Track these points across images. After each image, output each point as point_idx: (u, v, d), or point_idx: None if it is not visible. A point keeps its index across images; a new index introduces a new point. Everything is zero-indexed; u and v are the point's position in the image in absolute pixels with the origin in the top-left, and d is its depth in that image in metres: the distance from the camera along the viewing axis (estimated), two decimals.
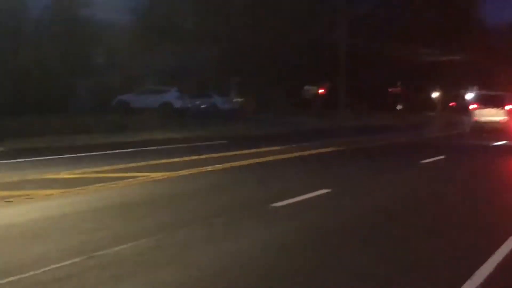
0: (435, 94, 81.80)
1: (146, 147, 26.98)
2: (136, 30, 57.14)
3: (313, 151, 25.44)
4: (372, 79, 73.81)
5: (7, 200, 13.25)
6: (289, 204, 13.29)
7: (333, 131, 41.59)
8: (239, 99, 62.56)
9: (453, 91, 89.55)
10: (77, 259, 8.73)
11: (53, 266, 8.42)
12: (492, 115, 39.89)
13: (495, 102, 40.88)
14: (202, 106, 54.27)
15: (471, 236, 10.76)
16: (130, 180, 16.41)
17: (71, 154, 23.86)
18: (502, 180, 18.70)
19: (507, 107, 39.82)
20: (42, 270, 8.25)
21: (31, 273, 8.13)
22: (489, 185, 17.28)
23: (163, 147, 27.52)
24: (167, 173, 17.76)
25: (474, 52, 77.53)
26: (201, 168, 18.98)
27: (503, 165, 22.86)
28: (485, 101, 41.61)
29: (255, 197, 14.48)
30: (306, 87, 74.46)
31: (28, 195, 13.90)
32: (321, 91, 71.51)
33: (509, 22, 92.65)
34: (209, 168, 19.21)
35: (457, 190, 16.34)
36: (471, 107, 41.83)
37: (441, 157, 23.83)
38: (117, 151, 25.39)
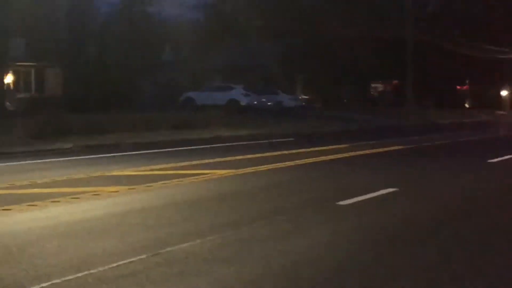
0: (504, 92, 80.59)
1: (212, 144, 27.09)
2: (202, 27, 57.45)
3: (380, 149, 25.17)
4: (440, 77, 73.02)
5: (75, 196, 13.39)
6: (355, 203, 13.12)
7: (400, 128, 41.21)
8: (305, 96, 62.50)
9: None
10: (143, 256, 8.77)
11: (120, 262, 8.47)
12: None
13: None
14: (268, 103, 54.32)
15: None
16: (196, 177, 16.44)
17: (137, 151, 24.08)
18: None
19: None
20: (109, 266, 8.30)
21: (99, 269, 8.18)
22: None
23: (228, 144, 27.58)
24: (233, 171, 17.76)
25: None
26: (266, 166, 18.92)
27: None
28: None
29: (321, 195, 14.34)
30: (373, 85, 74.14)
31: (94, 191, 14.04)
32: (383, 88, 70.99)
33: None
34: (275, 165, 19.16)
35: None
36: None
37: (511, 156, 23.33)
38: (183, 148, 25.53)
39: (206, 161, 20.31)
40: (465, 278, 8.07)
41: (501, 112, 71.67)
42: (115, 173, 17.48)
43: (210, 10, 60.85)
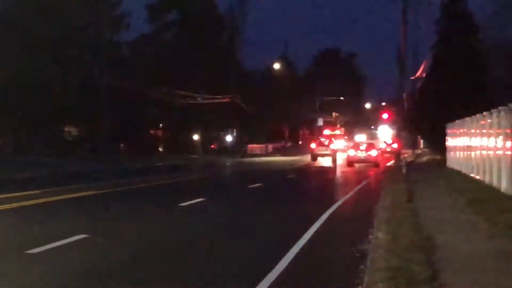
0: (196, 136, 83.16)
1: None
2: None
3: (73, 195, 24.91)
4: (135, 121, 73.77)
5: None
6: (45, 250, 12.92)
7: (93, 173, 40.95)
8: None
9: (214, 133, 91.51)
10: None
11: None
12: None
13: None
14: None
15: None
16: None
17: None
18: (256, 222, 18.59)
19: None
20: None
21: None
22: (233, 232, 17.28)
23: None
24: None
25: (234, 95, 79.56)
26: None
27: (253, 206, 23.08)
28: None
29: (9, 244, 13.92)
30: (67, 129, 73.32)
31: None
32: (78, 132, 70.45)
33: (264, 67, 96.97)
34: None
35: (210, 234, 16.19)
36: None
37: (201, 199, 23.94)
38: None
39: None
40: None
41: (194, 156, 73.77)
42: None
43: None
